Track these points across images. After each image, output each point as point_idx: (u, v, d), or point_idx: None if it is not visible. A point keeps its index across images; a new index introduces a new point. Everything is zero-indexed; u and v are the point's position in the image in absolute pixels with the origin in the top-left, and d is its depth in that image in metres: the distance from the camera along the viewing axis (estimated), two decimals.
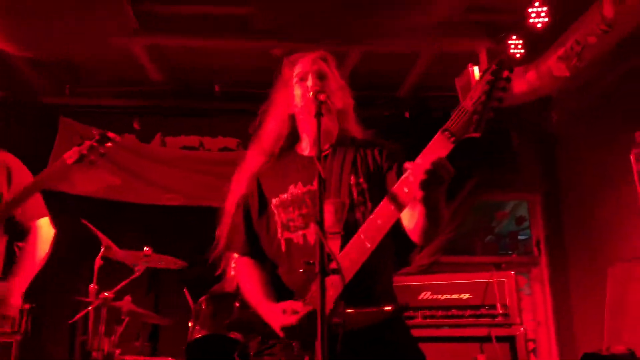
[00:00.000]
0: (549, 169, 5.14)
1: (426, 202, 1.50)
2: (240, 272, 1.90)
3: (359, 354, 1.55)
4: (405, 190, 1.49)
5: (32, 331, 3.83)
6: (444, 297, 3.29)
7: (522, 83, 4.06)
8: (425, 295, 3.33)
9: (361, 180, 1.76)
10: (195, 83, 4.97)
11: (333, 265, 1.46)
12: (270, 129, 1.95)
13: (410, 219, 1.62)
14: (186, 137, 5.04)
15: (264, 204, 1.88)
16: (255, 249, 1.89)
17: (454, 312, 3.24)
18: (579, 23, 3.40)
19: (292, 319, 1.59)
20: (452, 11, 3.79)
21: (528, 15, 3.63)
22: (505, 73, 1.43)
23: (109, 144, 2.48)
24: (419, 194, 1.45)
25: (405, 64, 4.73)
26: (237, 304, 2.64)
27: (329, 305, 1.54)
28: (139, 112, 4.97)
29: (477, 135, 1.44)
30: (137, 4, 3.85)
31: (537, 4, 3.59)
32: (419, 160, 1.44)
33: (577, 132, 4.72)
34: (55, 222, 4.50)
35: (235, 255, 1.96)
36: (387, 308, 1.59)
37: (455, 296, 3.27)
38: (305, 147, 1.90)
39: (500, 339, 3.09)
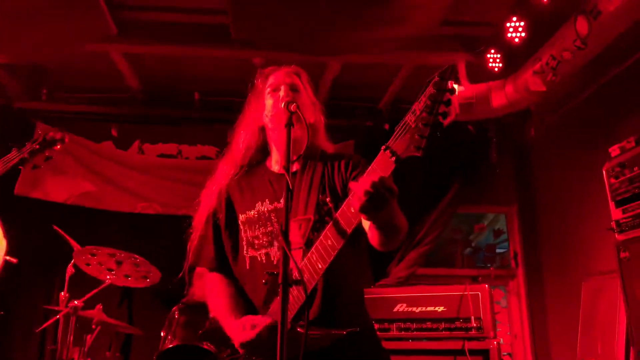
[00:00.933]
0: (526, 183, 5.19)
1: (374, 222, 1.47)
2: (208, 288, 1.89)
3: None
4: (352, 210, 1.45)
5: (2, 339, 3.76)
6: (419, 309, 3.28)
7: (501, 96, 4.10)
8: (401, 307, 3.32)
9: (328, 199, 1.74)
10: (175, 91, 4.93)
11: (296, 276, 1.43)
12: (241, 142, 1.94)
13: (369, 231, 1.60)
14: (164, 144, 4.99)
15: (232, 218, 1.87)
16: (223, 263, 1.88)
17: (429, 324, 3.24)
18: (555, 39, 3.45)
19: (250, 334, 1.58)
20: (429, 24, 3.82)
21: (506, 30, 3.68)
22: (450, 84, 1.31)
23: (58, 147, 2.30)
24: (362, 216, 1.40)
25: (386, 76, 4.75)
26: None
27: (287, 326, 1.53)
28: (117, 119, 4.91)
29: (418, 154, 1.32)
30: (117, 11, 3.82)
31: (514, 18, 3.64)
32: (360, 180, 1.38)
33: (554, 146, 4.78)
34: (26, 228, 4.43)
35: (203, 269, 1.94)
36: (335, 332, 1.56)
37: (430, 309, 3.26)
38: (275, 163, 1.89)
39: (473, 352, 3.08)
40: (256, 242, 1.79)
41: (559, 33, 3.39)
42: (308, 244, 1.61)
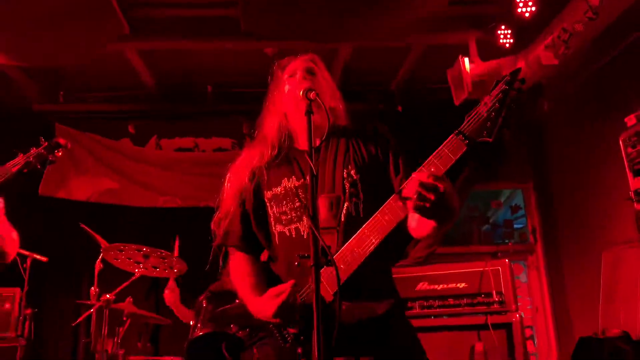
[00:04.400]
0: (541, 157, 5.20)
1: (430, 223, 1.52)
2: (234, 268, 1.93)
3: (355, 347, 1.58)
4: (406, 202, 1.50)
5: (36, 335, 3.90)
6: (441, 287, 3.33)
7: None
8: (423, 285, 3.38)
9: (353, 172, 1.77)
10: (189, 85, 5.00)
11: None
12: (266, 127, 1.98)
13: (413, 224, 1.65)
14: (181, 139, 5.08)
15: (258, 197, 1.90)
16: (250, 243, 1.92)
17: (451, 301, 3.29)
18: (566, 11, 3.44)
19: (277, 302, 1.63)
20: (438, 4, 3.82)
21: (516, 5, 3.67)
22: (517, 84, 1.48)
23: (59, 152, 2.41)
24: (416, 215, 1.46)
25: (397, 58, 4.77)
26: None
27: (329, 298, 1.59)
28: (133, 116, 5.00)
29: (489, 140, 1.48)
30: (128, 10, 3.88)
31: None
32: (414, 175, 1.45)
33: (568, 119, 4.77)
34: (53, 228, 4.57)
35: (232, 249, 2.00)
36: (382, 304, 1.63)
37: (451, 285, 3.31)
38: (299, 142, 1.94)
39: (496, 326, 3.13)
40: (284, 217, 1.82)
41: (570, 5, 3.38)
42: (341, 225, 1.67)
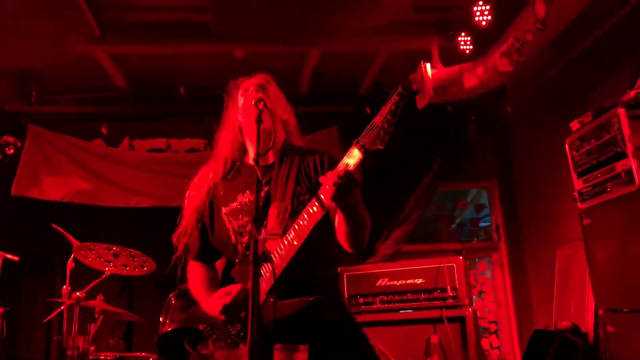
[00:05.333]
0: (505, 158, 5.39)
1: (341, 208, 1.74)
2: (191, 275, 2.13)
3: (287, 339, 1.72)
4: (322, 197, 1.72)
5: (8, 333, 3.96)
6: (400, 282, 3.50)
7: (473, 77, 4.27)
8: (383, 282, 3.54)
9: (303, 191, 1.95)
10: (161, 87, 5.08)
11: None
12: (220, 142, 2.14)
13: (337, 227, 1.85)
14: (153, 140, 5.16)
15: (216, 213, 2.07)
16: (206, 254, 2.12)
17: (409, 296, 3.45)
18: (518, 20, 3.62)
19: (227, 299, 1.83)
20: (400, 11, 3.97)
21: (473, 13, 3.84)
22: (407, 96, 1.66)
23: (11, 150, 2.42)
24: (332, 203, 1.68)
25: (365, 62, 4.90)
26: None
27: (262, 297, 1.76)
28: (106, 117, 5.07)
29: (381, 147, 1.65)
30: (99, 12, 3.96)
31: (480, 2, 3.79)
32: (329, 173, 1.67)
33: (528, 121, 4.97)
34: (25, 227, 4.62)
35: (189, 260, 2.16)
36: (307, 298, 1.78)
37: (410, 281, 3.48)
38: (252, 157, 2.08)
39: (451, 319, 3.30)
40: (242, 230, 1.97)
41: (522, 15, 3.55)
42: (285, 232, 1.83)
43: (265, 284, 1.78)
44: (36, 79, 4.89)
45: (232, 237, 2.00)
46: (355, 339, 1.93)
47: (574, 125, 3.22)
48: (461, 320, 3.30)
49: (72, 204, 4.87)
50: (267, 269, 1.81)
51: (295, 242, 1.76)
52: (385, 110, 1.66)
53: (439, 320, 3.30)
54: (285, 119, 2.12)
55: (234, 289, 1.85)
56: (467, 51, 4.17)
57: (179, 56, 4.60)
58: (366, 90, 5.25)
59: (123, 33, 4.16)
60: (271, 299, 1.77)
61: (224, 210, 2.04)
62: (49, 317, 3.65)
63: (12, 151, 2.35)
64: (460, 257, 3.43)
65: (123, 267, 3.80)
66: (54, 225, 3.73)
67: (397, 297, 3.47)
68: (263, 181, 2.00)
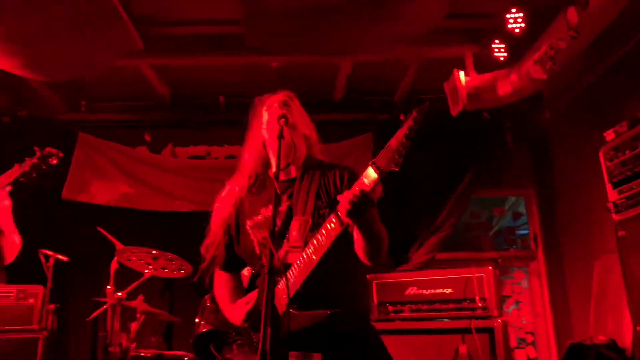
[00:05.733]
0: (543, 165, 5.29)
1: (358, 225, 1.82)
2: (217, 284, 2.27)
3: (304, 348, 1.80)
4: (339, 214, 1.80)
5: (58, 329, 4.23)
6: (429, 291, 3.50)
7: (507, 85, 4.22)
8: (412, 290, 3.55)
9: (324, 205, 2.04)
10: (202, 96, 5.30)
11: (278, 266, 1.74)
12: (245, 157, 2.25)
13: (355, 242, 1.93)
14: (195, 147, 5.38)
15: (241, 225, 2.18)
16: (231, 264, 2.23)
17: (438, 305, 3.45)
18: (551, 29, 3.56)
19: (246, 308, 1.95)
20: (433, 19, 3.98)
21: (506, 21, 3.81)
22: (422, 120, 1.71)
23: (54, 160, 2.55)
24: (348, 220, 1.76)
25: (398, 70, 4.94)
26: None
27: (282, 309, 1.85)
28: (149, 125, 5.32)
29: (396, 169, 1.72)
30: (142, 27, 4.17)
31: (513, 10, 3.76)
32: (345, 192, 1.75)
33: (568, 128, 4.86)
34: (76, 230, 4.90)
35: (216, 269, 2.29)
36: (324, 311, 1.87)
37: (438, 291, 3.48)
38: (274, 169, 2.17)
39: (480, 330, 3.28)
40: (266, 242, 2.05)
41: (555, 22, 3.50)
42: (305, 245, 1.92)
43: (286, 294, 1.84)
44: (86, 90, 5.20)
45: (257, 248, 2.11)
46: (373, 351, 1.97)
47: (609, 135, 3.15)
48: (490, 331, 3.26)
49: (117, 207, 5.13)
50: (290, 279, 1.88)
51: (314, 257, 1.84)
52: (400, 133, 1.72)
53: (468, 330, 3.29)
54: (307, 135, 2.21)
55: (253, 297, 1.94)
56: (501, 58, 4.13)
57: (216, 67, 4.78)
58: (400, 98, 5.28)
59: (164, 46, 4.36)
60: (290, 310, 1.84)
61: (249, 223, 2.14)
62: (92, 315, 3.87)
63: (55, 161, 2.51)
64: (490, 267, 3.41)
65: (162, 270, 3.98)
66: (99, 229, 3.96)
67: (425, 306, 3.47)
68: (285, 196, 2.11)
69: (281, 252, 2.00)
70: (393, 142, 1.71)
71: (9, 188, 2.26)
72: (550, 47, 3.52)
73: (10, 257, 2.36)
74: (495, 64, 4.18)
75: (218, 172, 5.15)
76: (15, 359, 3.74)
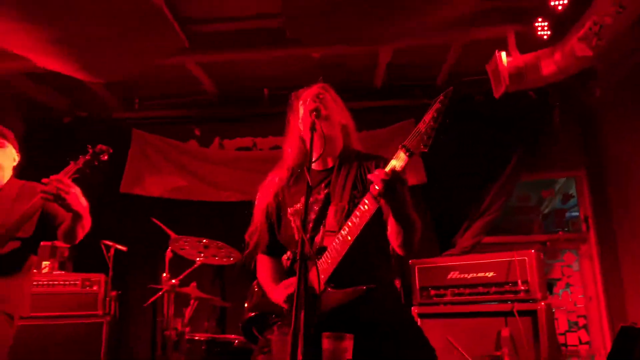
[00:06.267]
0: (594, 145, 5.11)
1: (391, 206, 1.88)
2: (259, 267, 2.38)
3: (342, 324, 1.89)
4: (373, 194, 1.87)
5: (120, 314, 4.54)
6: (471, 275, 3.52)
7: (551, 64, 4.10)
8: (454, 274, 3.59)
9: (360, 193, 2.11)
10: (246, 90, 5.45)
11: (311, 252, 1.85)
12: (286, 151, 2.37)
13: (389, 229, 2.00)
14: (241, 139, 5.56)
15: (282, 214, 2.30)
16: (273, 249, 2.34)
17: (480, 289, 3.47)
18: (595, 4, 3.44)
19: (288, 291, 2.03)
20: (475, 1, 3.93)
21: None
22: (447, 104, 1.81)
23: (105, 157, 2.64)
24: (382, 199, 1.82)
25: (439, 53, 4.89)
26: None
27: (321, 287, 1.96)
28: (198, 120, 5.55)
29: (425, 150, 1.81)
30: (186, 26, 4.35)
31: None
32: (376, 171, 1.83)
33: (621, 105, 4.67)
34: (133, 221, 5.20)
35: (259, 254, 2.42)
36: (360, 287, 1.94)
37: (480, 274, 3.49)
38: (313, 163, 2.28)
39: (522, 313, 3.27)
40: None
41: None
42: (339, 229, 2.01)
43: (324, 275, 1.96)
44: (138, 89, 5.47)
45: (296, 234, 2.21)
46: (408, 327, 2.07)
47: None
48: (533, 314, 3.26)
49: (170, 199, 5.40)
50: (326, 260, 1.98)
51: (349, 237, 1.92)
52: (428, 117, 1.81)
53: (510, 313, 3.29)
54: (344, 124, 2.28)
55: (293, 281, 2.04)
56: (545, 37, 4.03)
57: (259, 60, 4.90)
58: (443, 82, 5.23)
59: (208, 43, 4.52)
60: (328, 289, 1.95)
61: (289, 210, 2.25)
62: (149, 302, 4.13)
63: (106, 157, 2.63)
64: (533, 250, 3.38)
65: (212, 258, 4.19)
66: (154, 220, 4.20)
67: (467, 290, 3.50)
68: (323, 184, 2.21)
69: (318, 237, 2.10)
70: (421, 125, 1.81)
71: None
72: (594, 23, 3.41)
73: (80, 237, 2.55)
74: (538, 43, 4.09)
75: (264, 163, 5.27)
76: (82, 342, 4.06)
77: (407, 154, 1.82)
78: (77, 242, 2.59)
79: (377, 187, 1.81)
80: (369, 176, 1.86)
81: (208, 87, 5.33)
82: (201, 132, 5.55)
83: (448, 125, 1.88)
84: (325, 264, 1.97)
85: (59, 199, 2.34)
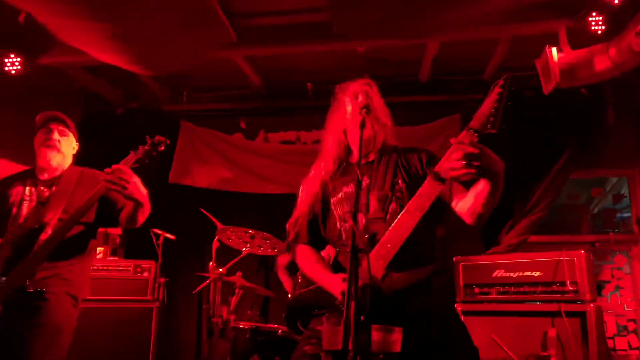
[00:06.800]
0: None
1: (486, 174, 1.83)
2: (303, 256, 2.38)
3: (402, 309, 1.92)
4: (439, 174, 1.87)
5: (168, 300, 4.71)
6: (516, 274, 3.47)
7: (605, 60, 3.97)
8: (499, 273, 3.55)
9: (400, 180, 2.16)
10: (291, 83, 5.52)
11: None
12: (329, 144, 2.40)
13: (467, 200, 1.97)
14: (285, 132, 5.64)
15: (326, 204, 2.33)
16: (315, 240, 2.37)
17: (526, 288, 3.42)
18: None
19: (344, 285, 2.01)
20: None
21: None
22: (507, 86, 1.80)
23: (162, 147, 2.72)
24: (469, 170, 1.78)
25: (487, 48, 4.81)
26: None
27: (381, 272, 1.97)
28: (244, 113, 5.66)
29: (494, 131, 1.78)
30: (234, 21, 4.43)
31: None
32: (456, 143, 1.80)
33: None
34: (180, 211, 5.36)
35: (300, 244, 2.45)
36: (423, 270, 2.02)
37: (527, 274, 3.44)
38: (355, 156, 2.31)
39: (570, 314, 3.21)
40: (346, 216, 2.21)
41: None
42: (385, 216, 2.07)
43: (383, 261, 1.97)
44: (187, 82, 5.63)
45: (338, 223, 2.25)
46: (454, 321, 2.10)
47: None
48: (582, 315, 3.19)
49: (216, 190, 5.54)
50: (385, 246, 1.98)
51: (411, 221, 1.94)
52: (490, 100, 1.81)
53: (557, 314, 3.24)
54: (384, 121, 2.31)
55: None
56: (599, 32, 3.92)
57: (305, 54, 4.95)
58: (489, 77, 5.14)
59: (255, 37, 4.59)
60: (391, 272, 1.98)
61: (332, 201, 2.29)
62: (197, 289, 4.26)
63: (162, 148, 2.72)
64: (583, 251, 3.30)
65: (258, 248, 4.28)
66: (202, 210, 4.32)
67: (513, 289, 3.46)
68: (365, 176, 2.25)
69: (361, 224, 2.13)
70: (484, 108, 1.80)
71: None
72: None
73: (142, 222, 2.68)
74: (592, 39, 3.97)
75: (307, 156, 5.32)
76: (134, 326, 4.23)
77: (475, 135, 1.78)
78: (137, 226, 2.71)
79: (453, 164, 1.78)
80: (452, 140, 1.81)
81: (254, 81, 5.42)
82: (247, 125, 5.66)
83: (510, 109, 1.83)
84: (384, 250, 1.97)
85: (120, 187, 2.46)
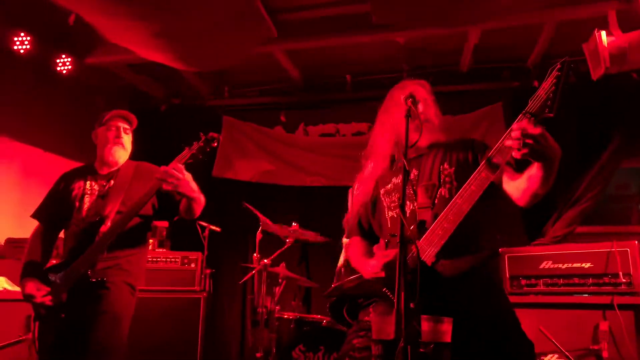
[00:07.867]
0: None
1: (538, 146, 1.75)
2: (352, 248, 2.45)
3: (455, 295, 1.93)
4: (494, 161, 1.87)
5: (214, 290, 4.83)
6: (565, 266, 3.39)
7: None
8: (547, 264, 3.47)
9: (447, 166, 2.18)
10: (330, 76, 5.54)
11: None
12: (382, 141, 2.41)
13: (520, 181, 1.95)
14: (324, 125, 5.67)
15: (377, 197, 2.37)
16: (366, 233, 2.43)
17: (576, 280, 3.34)
18: None
19: (386, 259, 2.06)
20: None
21: None
22: (565, 69, 1.73)
23: (215, 143, 2.77)
24: (524, 150, 1.74)
25: (531, 34, 4.69)
26: None
27: (432, 260, 1.99)
28: (284, 107, 5.72)
29: (551, 115, 1.72)
30: (275, 16, 4.47)
31: None
32: (519, 125, 1.75)
33: None
34: (224, 203, 5.47)
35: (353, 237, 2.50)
36: (479, 256, 2.00)
37: (576, 265, 3.36)
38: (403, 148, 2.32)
39: (623, 307, 3.12)
40: (392, 205, 2.26)
41: None
42: (433, 202, 2.10)
43: (433, 248, 1.99)
44: (228, 77, 5.72)
45: (386, 212, 2.29)
46: (508, 312, 2.10)
47: None
48: (636, 308, 3.09)
49: (258, 183, 5.63)
50: (437, 233, 2.00)
51: (463, 207, 1.94)
52: (546, 84, 1.75)
53: (609, 306, 3.14)
54: (434, 120, 2.32)
55: (392, 251, 2.08)
56: None
57: (344, 47, 4.94)
58: (534, 64, 5.01)
59: (294, 31, 4.63)
60: (442, 260, 1.98)
61: (381, 191, 2.35)
62: (242, 280, 4.36)
63: (215, 144, 2.79)
64: (636, 242, 3.19)
65: (299, 240, 4.35)
66: (245, 203, 4.41)
67: (562, 281, 3.37)
68: (414, 167, 2.26)
69: (408, 212, 2.15)
70: (540, 92, 1.75)
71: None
72: None
73: (199, 213, 2.77)
74: None
75: (347, 149, 5.42)
76: (182, 315, 4.36)
77: (532, 119, 1.73)
78: (196, 217, 2.81)
79: (514, 148, 1.74)
80: (513, 125, 1.76)
81: (293, 75, 5.47)
82: (287, 118, 5.72)
83: (567, 93, 1.76)
84: (436, 237, 1.98)
85: (172, 186, 2.55)
